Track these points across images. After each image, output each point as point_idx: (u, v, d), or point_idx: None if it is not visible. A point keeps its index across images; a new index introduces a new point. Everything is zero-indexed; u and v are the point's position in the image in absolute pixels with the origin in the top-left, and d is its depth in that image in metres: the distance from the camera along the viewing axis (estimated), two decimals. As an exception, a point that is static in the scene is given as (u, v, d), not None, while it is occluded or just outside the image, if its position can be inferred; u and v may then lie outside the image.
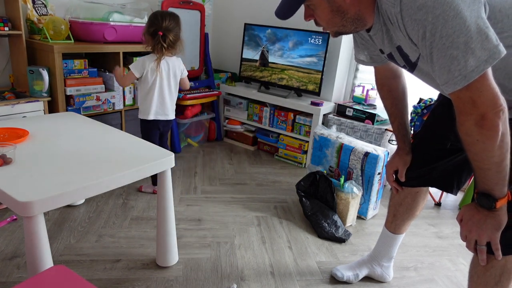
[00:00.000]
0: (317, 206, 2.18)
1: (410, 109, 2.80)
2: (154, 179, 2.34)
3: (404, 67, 1.17)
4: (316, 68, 2.93)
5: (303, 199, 2.24)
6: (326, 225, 2.08)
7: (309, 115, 2.97)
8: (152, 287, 1.59)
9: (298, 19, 3.28)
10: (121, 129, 2.57)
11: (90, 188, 1.25)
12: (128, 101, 2.63)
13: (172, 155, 1.55)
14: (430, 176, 1.44)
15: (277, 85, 3.17)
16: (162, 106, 2.27)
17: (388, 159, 1.54)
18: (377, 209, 2.39)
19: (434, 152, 1.41)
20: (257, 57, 3.22)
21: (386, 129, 2.65)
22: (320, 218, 2.12)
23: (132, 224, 2.03)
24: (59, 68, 2.21)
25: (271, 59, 3.15)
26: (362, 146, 2.25)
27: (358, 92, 3.04)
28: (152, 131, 2.31)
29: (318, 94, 2.95)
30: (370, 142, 2.67)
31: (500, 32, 0.93)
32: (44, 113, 2.23)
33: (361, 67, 3.09)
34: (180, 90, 3.11)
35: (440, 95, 1.45)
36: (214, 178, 2.69)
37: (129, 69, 2.18)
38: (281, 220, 2.20)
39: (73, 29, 2.41)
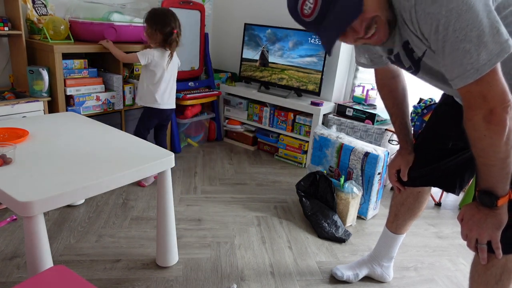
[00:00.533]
0: (317, 206, 2.18)
1: (410, 109, 2.80)
2: None
3: (409, 68, 1.16)
4: (316, 68, 2.92)
5: (303, 199, 2.24)
6: (326, 225, 2.08)
7: (309, 115, 2.97)
8: (152, 287, 1.59)
9: (298, 19, 3.22)
10: (121, 129, 2.57)
11: (90, 188, 1.25)
12: (128, 101, 2.63)
13: (172, 155, 1.55)
14: (432, 176, 1.44)
15: (277, 85, 3.17)
16: (169, 96, 2.46)
17: (391, 159, 1.54)
18: (377, 209, 2.39)
19: (436, 151, 1.41)
20: (257, 57, 3.22)
21: (386, 129, 2.65)
22: (320, 218, 2.12)
23: (132, 224, 2.03)
24: (59, 68, 2.21)
25: (271, 59, 3.15)
26: (362, 146, 2.25)
27: (358, 92, 3.04)
28: (153, 120, 2.47)
29: (318, 94, 2.95)
30: (370, 142, 2.67)
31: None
32: (44, 113, 2.23)
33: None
34: (180, 90, 3.12)
35: (443, 95, 1.44)
36: (214, 178, 2.69)
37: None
38: (281, 220, 2.20)
39: (73, 29, 2.41)
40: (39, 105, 2.20)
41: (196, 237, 1.97)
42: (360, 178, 2.24)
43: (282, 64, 3.09)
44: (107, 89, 2.51)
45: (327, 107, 2.96)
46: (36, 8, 2.35)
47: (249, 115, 3.32)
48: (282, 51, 3.07)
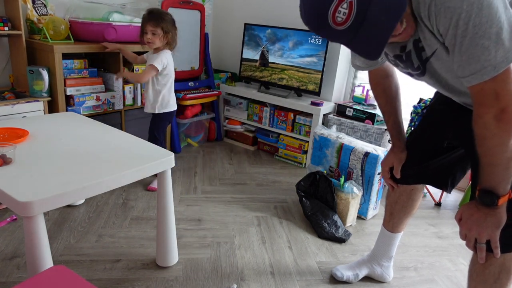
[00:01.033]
0: (317, 206, 2.18)
1: (410, 109, 2.80)
2: None
3: (417, 68, 1.13)
4: (316, 68, 2.93)
5: (303, 199, 2.24)
6: (326, 225, 2.08)
7: (309, 115, 2.97)
8: (152, 287, 1.59)
9: (298, 19, 3.27)
10: (121, 129, 2.57)
11: (90, 188, 1.25)
12: (128, 101, 2.63)
13: (172, 155, 1.55)
14: (424, 174, 1.45)
15: (277, 85, 3.17)
16: (174, 96, 2.46)
17: (384, 157, 1.55)
18: (377, 209, 2.39)
19: (430, 149, 1.42)
20: (257, 57, 3.22)
21: (386, 129, 2.65)
22: (320, 218, 2.12)
23: (132, 224, 2.03)
24: (59, 68, 2.21)
25: (271, 59, 3.15)
26: (362, 146, 2.25)
27: (358, 92, 3.04)
28: (167, 122, 2.50)
29: (318, 94, 2.95)
30: (370, 142, 2.67)
31: None
32: (44, 113, 2.23)
33: (361, 67, 3.09)
34: (180, 90, 3.12)
35: (436, 93, 1.44)
36: (214, 178, 2.69)
37: (132, 69, 2.24)
38: (281, 220, 2.20)
39: (73, 29, 2.41)
40: (39, 105, 2.20)
41: (196, 237, 1.97)
42: (360, 178, 2.24)
43: (282, 64, 3.09)
44: (107, 89, 2.51)
45: (327, 107, 2.96)
46: (36, 8, 2.35)
47: (249, 115, 3.32)
48: (282, 51, 3.07)
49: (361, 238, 2.10)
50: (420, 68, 1.12)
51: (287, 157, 3.13)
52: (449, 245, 2.12)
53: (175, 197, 2.35)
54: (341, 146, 2.29)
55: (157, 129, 2.43)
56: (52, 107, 2.28)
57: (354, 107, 2.84)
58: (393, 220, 1.61)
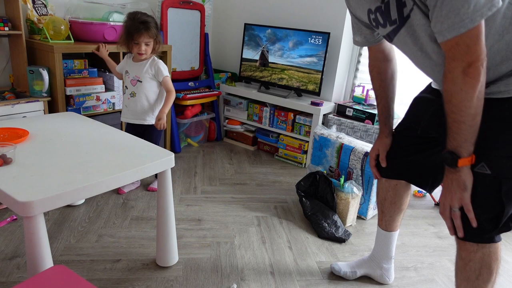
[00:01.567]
0: (317, 206, 2.18)
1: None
2: None
3: (394, 22, 1.15)
4: (316, 68, 2.93)
5: (303, 199, 2.24)
6: (326, 225, 2.08)
7: (309, 115, 2.97)
8: (152, 287, 1.59)
9: (298, 19, 3.26)
10: (121, 129, 2.57)
11: (90, 188, 1.25)
12: (128, 101, 2.63)
13: (172, 155, 1.55)
14: (406, 169, 1.48)
15: (277, 85, 3.17)
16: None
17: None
18: (377, 209, 2.39)
19: (411, 144, 1.46)
20: (257, 57, 3.22)
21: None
22: (320, 218, 2.12)
23: (132, 224, 2.03)
24: (59, 68, 2.21)
25: (271, 59, 3.15)
26: (362, 146, 2.25)
27: (358, 92, 3.04)
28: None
29: (318, 94, 2.96)
30: (370, 142, 2.67)
31: None
32: (44, 113, 2.23)
33: (361, 67, 3.09)
34: (180, 90, 3.12)
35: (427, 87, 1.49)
36: (214, 178, 2.69)
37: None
38: (281, 220, 2.20)
39: (73, 29, 2.41)
40: (39, 105, 2.20)
41: (196, 237, 1.97)
42: (360, 178, 2.24)
43: (282, 64, 3.09)
44: (107, 89, 2.51)
45: (327, 107, 2.96)
46: (36, 8, 2.35)
47: (249, 115, 3.32)
48: (282, 51, 3.07)
49: (361, 238, 2.10)
50: (396, 22, 1.15)
51: (287, 157, 3.13)
52: (449, 245, 2.12)
53: (175, 197, 2.35)
54: (341, 146, 2.30)
55: (158, 141, 2.31)
56: (52, 107, 2.28)
57: (354, 107, 2.84)
58: (385, 218, 1.63)
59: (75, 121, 1.86)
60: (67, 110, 2.30)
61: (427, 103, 1.40)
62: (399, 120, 1.59)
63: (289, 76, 3.08)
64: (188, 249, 1.85)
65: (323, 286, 1.69)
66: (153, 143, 2.12)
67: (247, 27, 3.23)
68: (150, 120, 2.24)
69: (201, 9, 3.20)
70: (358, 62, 3.09)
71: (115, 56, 2.50)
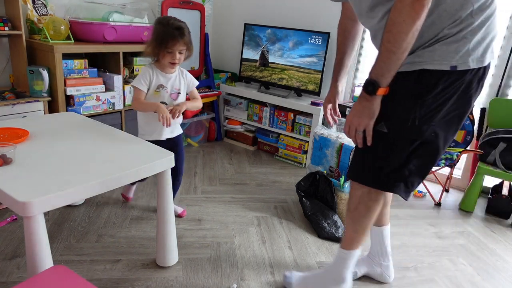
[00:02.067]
0: (317, 206, 2.18)
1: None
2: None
3: None
4: (316, 68, 2.93)
5: (303, 199, 2.24)
6: (326, 225, 2.08)
7: (309, 115, 2.97)
8: (152, 287, 1.59)
9: (298, 19, 3.26)
10: (121, 129, 2.57)
11: (90, 188, 1.25)
12: (128, 101, 2.63)
13: (172, 155, 1.55)
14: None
15: (277, 85, 3.17)
16: None
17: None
18: (377, 209, 2.39)
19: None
20: (257, 57, 3.22)
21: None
22: (320, 218, 2.12)
23: (132, 224, 2.03)
24: (59, 68, 2.21)
25: (271, 59, 3.15)
26: (362, 146, 2.25)
27: (358, 92, 3.04)
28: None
29: (318, 94, 2.95)
30: (370, 142, 2.67)
31: None
32: (44, 113, 2.23)
33: (361, 67, 3.09)
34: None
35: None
36: (214, 178, 2.69)
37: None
38: (281, 220, 2.20)
39: (73, 29, 2.41)
40: (39, 105, 2.20)
41: (196, 237, 1.97)
42: (360, 178, 2.24)
43: (282, 64, 3.09)
44: (107, 89, 2.51)
45: (327, 107, 2.96)
46: (36, 8, 2.35)
47: (249, 115, 3.32)
48: (282, 51, 3.07)
49: (361, 238, 2.10)
50: None
51: (287, 157, 3.13)
52: (449, 245, 2.12)
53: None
54: (341, 146, 2.29)
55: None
56: (52, 107, 2.28)
57: (354, 107, 2.83)
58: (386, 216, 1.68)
59: (75, 121, 1.86)
60: (67, 110, 2.30)
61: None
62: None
63: (289, 76, 3.08)
64: (188, 249, 1.85)
65: (323, 286, 1.68)
66: (181, 153, 2.04)
67: (247, 27, 3.23)
68: (180, 130, 2.08)
69: (201, 9, 3.20)
70: (358, 62, 3.09)
71: (115, 56, 2.51)
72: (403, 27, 1.10)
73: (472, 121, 2.58)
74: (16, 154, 1.34)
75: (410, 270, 1.86)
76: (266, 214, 2.25)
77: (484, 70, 1.23)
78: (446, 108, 1.24)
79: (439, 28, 1.17)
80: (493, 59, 1.26)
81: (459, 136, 2.63)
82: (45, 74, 2.16)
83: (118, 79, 2.51)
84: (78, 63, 2.36)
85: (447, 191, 2.86)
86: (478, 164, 2.49)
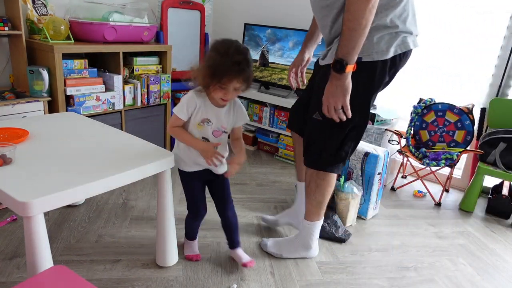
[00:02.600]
0: (317, 206, 2.18)
1: (410, 109, 2.80)
2: (230, 240, 1.79)
3: None
4: (316, 68, 2.92)
5: (303, 199, 2.24)
6: (326, 225, 2.08)
7: (309, 115, 2.97)
8: (152, 287, 1.59)
9: (298, 19, 3.26)
10: (121, 129, 2.57)
11: (90, 188, 1.25)
12: (128, 101, 2.63)
13: (172, 155, 1.55)
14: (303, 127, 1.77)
15: (277, 85, 3.17)
16: None
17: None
18: (377, 209, 2.39)
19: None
20: (257, 57, 3.22)
21: (386, 129, 2.65)
22: (320, 218, 2.11)
23: (132, 224, 2.03)
24: (59, 68, 2.21)
25: (271, 59, 3.15)
26: (362, 146, 2.25)
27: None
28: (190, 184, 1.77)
29: (318, 94, 2.95)
30: (370, 142, 2.67)
31: None
32: (44, 113, 2.23)
33: (361, 67, 3.09)
34: (179, 90, 3.12)
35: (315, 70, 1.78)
36: (214, 178, 2.69)
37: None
38: (281, 220, 2.20)
39: (73, 29, 2.41)
40: (39, 105, 2.20)
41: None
42: (360, 178, 2.24)
43: (282, 64, 3.09)
44: (107, 89, 2.51)
45: (327, 107, 2.96)
46: (36, 8, 2.35)
47: (249, 115, 3.31)
48: (282, 51, 3.07)
49: (361, 238, 2.10)
50: None
51: (287, 157, 3.13)
52: (449, 245, 2.12)
53: (175, 197, 2.35)
54: (341, 146, 2.29)
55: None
56: (52, 107, 2.28)
57: (354, 107, 2.83)
58: (301, 172, 1.92)
59: (75, 121, 1.86)
60: (67, 110, 2.30)
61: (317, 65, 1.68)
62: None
63: (289, 76, 3.07)
64: (188, 249, 1.85)
65: (323, 286, 1.69)
66: (227, 189, 1.76)
67: (247, 27, 3.23)
68: (224, 168, 1.74)
69: (201, 9, 3.20)
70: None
71: (115, 56, 2.50)
72: (360, 5, 1.22)
73: (472, 121, 2.58)
74: (16, 154, 1.34)
75: (410, 270, 1.86)
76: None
77: (392, 61, 1.43)
78: (366, 95, 1.49)
79: None
80: (406, 49, 1.45)
81: (459, 136, 2.64)
82: (45, 74, 2.16)
83: (118, 79, 2.51)
84: (78, 63, 2.36)
85: (447, 191, 2.86)
86: (478, 164, 2.49)
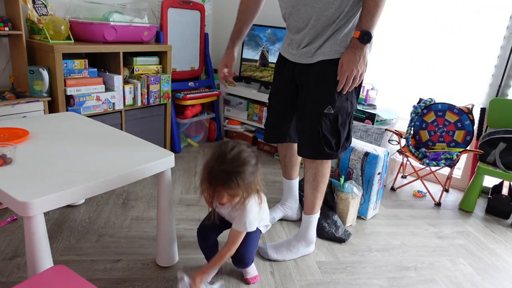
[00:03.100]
0: (317, 206, 2.18)
1: (410, 109, 2.80)
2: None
3: None
4: (316, 68, 2.92)
5: (303, 199, 2.24)
6: (326, 225, 2.08)
7: (309, 115, 2.97)
8: (152, 287, 1.59)
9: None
10: (121, 129, 2.57)
11: (90, 188, 1.25)
12: (128, 101, 2.63)
13: (172, 155, 1.55)
14: (280, 134, 1.90)
15: (277, 85, 3.17)
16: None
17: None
18: (377, 209, 2.39)
19: (283, 113, 1.86)
20: (257, 57, 3.22)
21: (386, 129, 2.65)
22: (320, 218, 2.11)
23: (132, 224, 2.03)
24: (59, 68, 2.21)
25: (271, 59, 3.15)
26: (362, 146, 2.25)
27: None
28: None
29: (318, 94, 2.95)
30: (370, 142, 2.67)
31: None
32: (44, 113, 2.23)
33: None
34: (179, 90, 3.12)
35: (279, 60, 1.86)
36: (214, 178, 2.69)
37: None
38: (280, 220, 2.20)
39: (73, 29, 2.41)
40: (39, 105, 2.20)
41: (196, 237, 1.96)
42: (360, 178, 2.24)
43: (282, 64, 3.09)
44: (107, 89, 2.51)
45: (327, 107, 2.96)
46: (36, 8, 2.35)
47: (249, 115, 3.32)
48: (282, 51, 3.06)
49: (361, 238, 2.10)
50: None
51: (287, 157, 3.12)
52: (449, 245, 2.12)
53: (175, 197, 2.35)
54: (341, 146, 2.29)
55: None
56: (52, 107, 2.28)
57: (354, 107, 2.83)
58: (287, 171, 2.08)
59: (75, 121, 1.86)
60: (67, 110, 2.30)
61: (284, 68, 1.78)
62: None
63: (289, 76, 3.07)
64: (188, 249, 1.85)
65: (323, 286, 1.69)
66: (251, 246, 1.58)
67: (247, 27, 3.22)
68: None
69: (201, 9, 3.20)
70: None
71: (115, 56, 2.50)
72: None
73: (472, 121, 2.58)
74: (16, 154, 1.34)
75: (410, 270, 1.86)
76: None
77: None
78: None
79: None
80: (287, 53, 1.74)
81: (459, 136, 2.64)
82: (45, 74, 2.16)
83: (118, 79, 2.51)
84: (78, 63, 2.36)
85: (447, 191, 2.86)
86: (478, 164, 2.49)
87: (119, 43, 2.51)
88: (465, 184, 2.82)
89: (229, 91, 3.36)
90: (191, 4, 3.11)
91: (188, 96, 3.03)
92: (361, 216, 2.30)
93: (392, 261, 1.91)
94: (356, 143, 2.30)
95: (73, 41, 2.38)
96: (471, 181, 2.55)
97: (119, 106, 2.57)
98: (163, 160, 1.50)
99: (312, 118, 1.63)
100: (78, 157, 1.42)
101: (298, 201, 2.19)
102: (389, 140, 2.72)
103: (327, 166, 1.75)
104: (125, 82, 2.61)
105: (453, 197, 2.77)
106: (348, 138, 1.72)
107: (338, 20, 1.53)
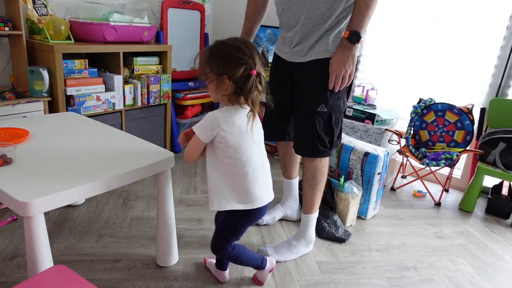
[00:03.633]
0: (317, 206, 2.18)
1: (410, 109, 2.80)
2: (219, 264, 1.66)
3: None
4: (316, 68, 2.92)
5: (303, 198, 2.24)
6: (326, 225, 2.08)
7: (309, 115, 2.96)
8: (152, 287, 1.59)
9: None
10: (121, 129, 2.57)
11: (90, 188, 1.25)
12: (128, 101, 2.63)
13: (172, 155, 1.55)
14: (279, 133, 1.93)
15: (277, 85, 3.17)
16: (265, 183, 1.51)
17: None
18: (377, 209, 2.39)
19: (280, 114, 1.87)
20: (257, 57, 3.22)
21: (386, 129, 2.66)
22: (320, 218, 2.11)
23: (132, 224, 2.03)
24: (59, 68, 2.21)
25: (271, 59, 3.14)
26: (362, 146, 2.25)
27: (358, 92, 3.04)
28: (246, 225, 1.49)
29: (318, 94, 2.95)
30: (370, 142, 2.68)
31: None
32: (44, 113, 2.23)
33: (361, 67, 3.08)
34: (179, 90, 3.12)
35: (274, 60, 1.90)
36: (214, 178, 2.69)
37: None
38: (281, 220, 2.20)
39: (73, 29, 2.41)
40: (39, 105, 2.20)
41: (196, 237, 1.97)
42: (360, 178, 2.24)
43: (282, 64, 3.09)
44: (107, 89, 2.51)
45: (327, 107, 2.95)
46: (36, 8, 2.35)
47: (249, 115, 3.31)
48: (282, 51, 3.06)
49: (361, 238, 2.10)
50: None
51: (287, 157, 3.12)
52: (449, 245, 2.12)
53: (175, 197, 2.35)
54: (341, 146, 2.29)
55: (228, 234, 1.48)
56: (52, 107, 2.28)
57: (354, 107, 2.83)
58: (287, 170, 2.11)
59: (75, 121, 1.86)
60: (67, 110, 2.30)
61: (279, 67, 1.81)
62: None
63: (289, 76, 3.07)
64: (188, 249, 1.85)
65: (323, 286, 1.69)
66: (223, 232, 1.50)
67: (247, 27, 3.22)
68: (219, 207, 1.54)
69: (201, 9, 3.20)
70: (358, 62, 3.09)
71: (115, 56, 2.50)
72: None
73: (472, 121, 2.58)
74: (16, 154, 1.34)
75: (410, 270, 1.86)
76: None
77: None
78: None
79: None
80: (281, 52, 1.78)
81: (459, 136, 2.64)
82: (45, 74, 2.16)
83: (118, 79, 2.51)
84: (78, 63, 2.36)
85: (447, 191, 2.86)
86: (478, 164, 2.50)
87: (119, 43, 2.51)
88: (465, 184, 2.82)
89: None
90: (191, 4, 3.11)
91: (188, 96, 3.03)
92: (361, 216, 2.30)
93: (392, 261, 1.91)
94: (356, 143, 2.30)
95: (73, 41, 2.38)
96: (471, 181, 2.55)
97: (119, 106, 2.57)
98: (163, 160, 1.50)
99: (306, 116, 1.68)
100: (78, 157, 1.43)
101: (298, 201, 2.20)
102: (389, 140, 2.72)
103: (326, 164, 1.78)
104: (125, 82, 2.61)
105: (453, 197, 2.77)
106: (340, 136, 1.77)
107: (330, 20, 1.55)
